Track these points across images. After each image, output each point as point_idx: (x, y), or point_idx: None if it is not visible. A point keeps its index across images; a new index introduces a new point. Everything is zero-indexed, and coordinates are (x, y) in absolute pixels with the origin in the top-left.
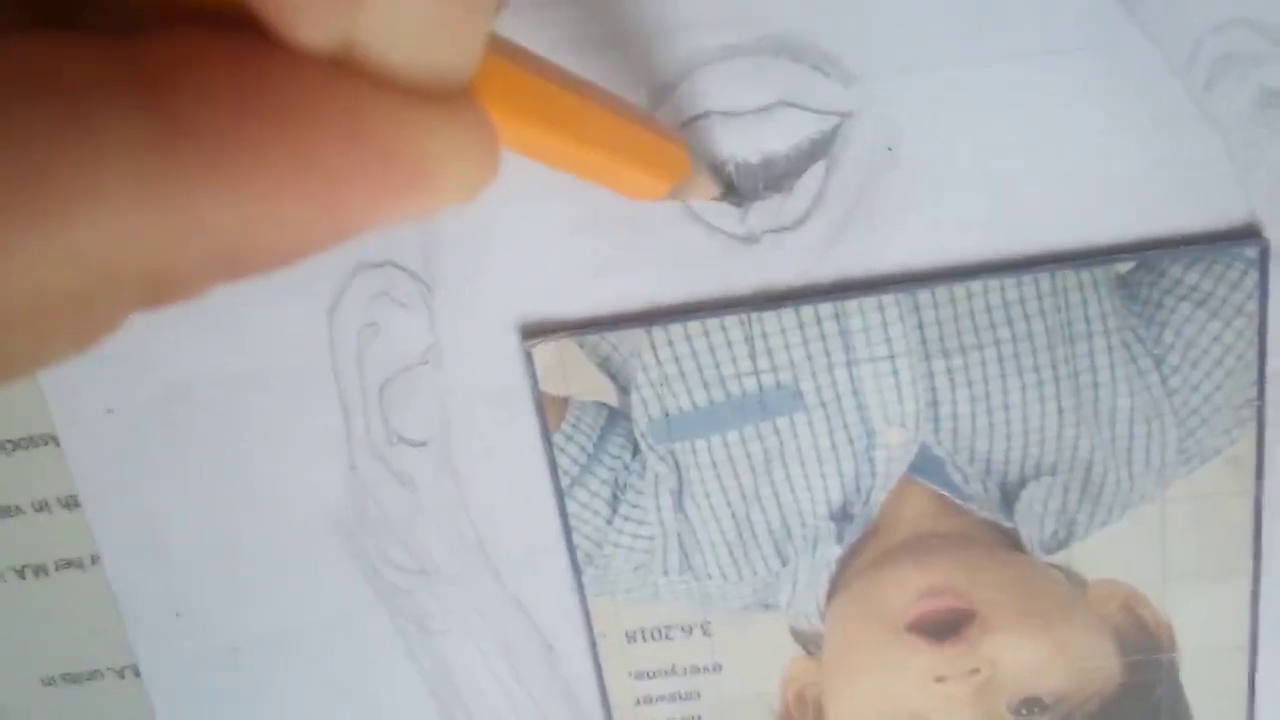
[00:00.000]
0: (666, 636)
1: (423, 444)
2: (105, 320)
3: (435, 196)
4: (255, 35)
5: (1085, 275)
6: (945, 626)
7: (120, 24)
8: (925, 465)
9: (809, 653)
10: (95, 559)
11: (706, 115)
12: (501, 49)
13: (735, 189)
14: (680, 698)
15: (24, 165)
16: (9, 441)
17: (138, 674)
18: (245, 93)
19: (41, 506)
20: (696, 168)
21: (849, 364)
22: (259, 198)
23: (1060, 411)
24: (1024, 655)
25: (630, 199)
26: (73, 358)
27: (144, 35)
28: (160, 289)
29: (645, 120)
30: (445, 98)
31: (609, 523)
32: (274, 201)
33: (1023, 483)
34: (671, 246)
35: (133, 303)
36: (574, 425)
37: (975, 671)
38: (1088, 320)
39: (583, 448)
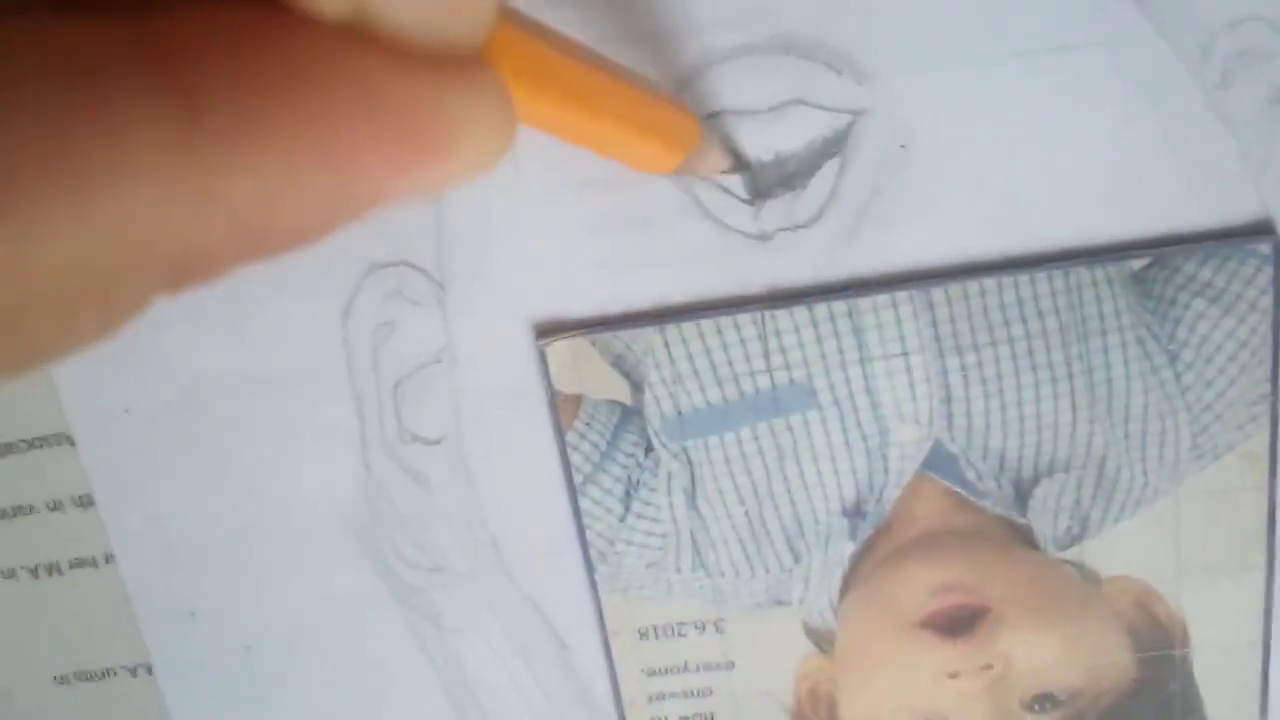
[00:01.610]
0: (679, 634)
1: (436, 442)
2: (130, 302)
3: (454, 165)
4: (267, 5)
5: (1099, 272)
6: (958, 623)
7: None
8: (939, 462)
9: (822, 649)
10: (109, 558)
11: (719, 114)
12: (512, 17)
13: (746, 163)
14: (693, 695)
15: (46, 143)
16: (24, 441)
17: (151, 672)
18: (260, 64)
19: (56, 505)
20: (706, 141)
21: (862, 361)
22: (280, 169)
23: (1074, 408)
24: (1037, 651)
25: (638, 171)
26: (97, 342)
27: (156, 10)
28: (185, 268)
29: (655, 92)
30: (460, 64)
31: (622, 520)
32: (295, 173)
33: (1036, 479)
34: (684, 244)
35: (157, 283)
36: (587, 423)
37: (988, 667)
38: (1101, 317)
39: (596, 446)
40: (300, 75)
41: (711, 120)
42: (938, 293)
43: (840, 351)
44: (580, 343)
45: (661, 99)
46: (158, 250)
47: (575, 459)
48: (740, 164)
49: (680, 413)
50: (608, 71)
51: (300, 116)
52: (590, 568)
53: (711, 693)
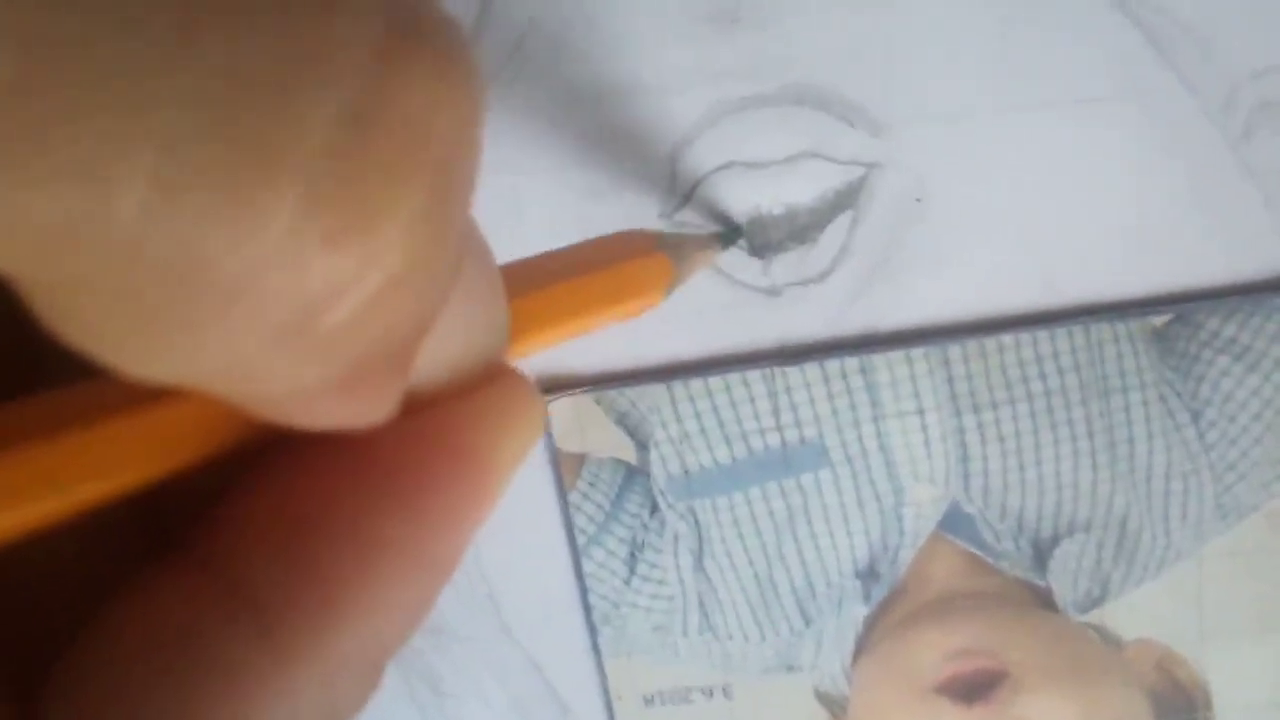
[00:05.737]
0: (686, 699)
1: None
2: None
3: (504, 477)
4: (320, 456)
5: (1120, 328)
6: (975, 688)
7: (195, 497)
8: (955, 522)
9: (834, 716)
10: None
11: (729, 165)
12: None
13: (738, 228)
14: None
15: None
16: None
17: None
18: (323, 562)
19: None
20: (683, 256)
21: (876, 419)
22: (358, 632)
23: (1094, 467)
24: (1056, 717)
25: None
26: None
27: (220, 528)
28: None
29: (612, 254)
30: (487, 378)
31: (627, 582)
32: (378, 623)
33: (1056, 540)
34: (691, 299)
35: None
36: (591, 483)
37: None
38: (1123, 374)
39: (600, 506)
40: (366, 548)
41: (719, 177)
42: (954, 349)
43: (853, 409)
44: (584, 400)
45: (620, 257)
46: None
47: (578, 519)
48: (731, 234)
49: (687, 472)
50: (563, 273)
51: (374, 579)
52: (594, 631)
53: None
